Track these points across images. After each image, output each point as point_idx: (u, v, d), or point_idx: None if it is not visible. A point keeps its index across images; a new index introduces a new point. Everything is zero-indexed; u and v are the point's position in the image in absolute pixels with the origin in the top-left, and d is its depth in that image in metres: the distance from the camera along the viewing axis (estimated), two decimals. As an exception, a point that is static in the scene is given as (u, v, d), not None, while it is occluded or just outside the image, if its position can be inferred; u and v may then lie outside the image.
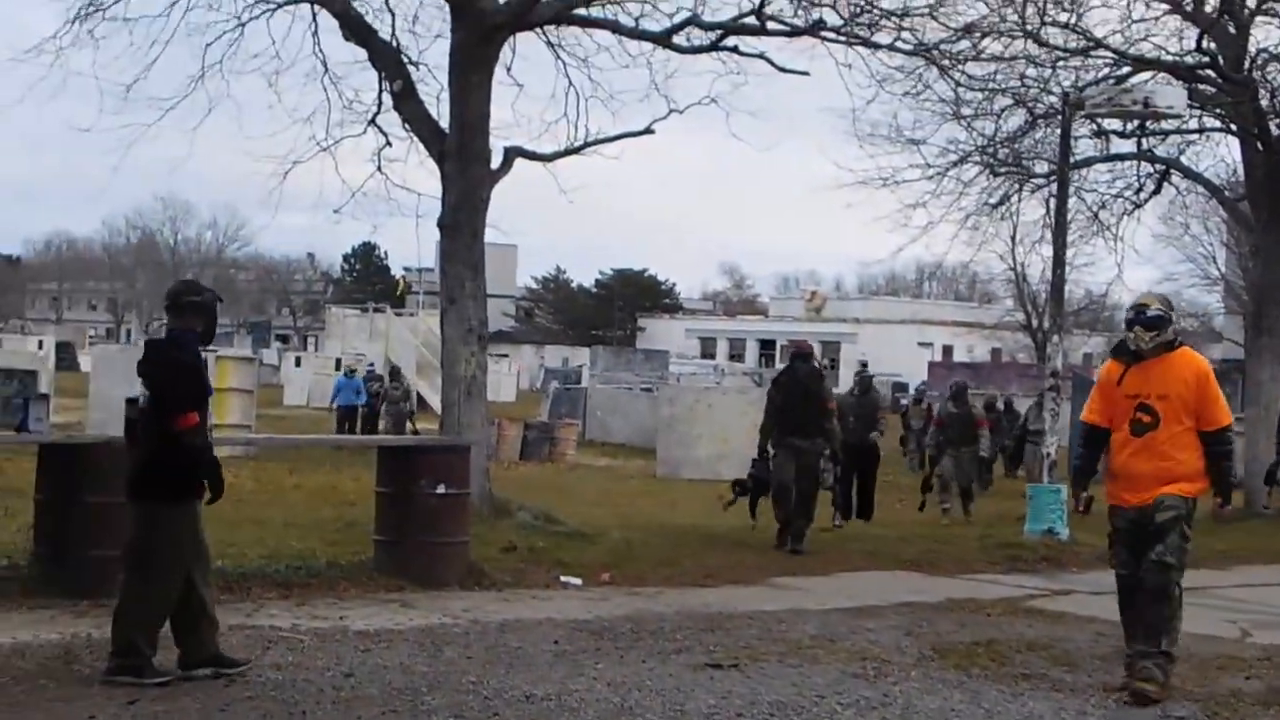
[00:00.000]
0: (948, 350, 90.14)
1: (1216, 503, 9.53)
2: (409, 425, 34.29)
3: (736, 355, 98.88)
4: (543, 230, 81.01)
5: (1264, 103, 23.12)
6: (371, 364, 41.99)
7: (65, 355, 67.15)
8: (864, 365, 24.73)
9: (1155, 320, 9.33)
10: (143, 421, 8.82)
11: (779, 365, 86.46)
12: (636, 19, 17.78)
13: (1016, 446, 31.57)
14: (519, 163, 17.53)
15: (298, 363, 63.79)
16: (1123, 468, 9.48)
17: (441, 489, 12.96)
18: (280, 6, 17.70)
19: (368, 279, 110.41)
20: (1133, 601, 9.42)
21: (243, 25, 17.62)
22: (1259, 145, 23.26)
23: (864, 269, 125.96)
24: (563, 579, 13.57)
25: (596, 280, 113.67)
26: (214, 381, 29.20)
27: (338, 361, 58.09)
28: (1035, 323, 56.13)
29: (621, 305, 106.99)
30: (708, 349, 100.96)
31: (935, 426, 23.30)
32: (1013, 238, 31.45)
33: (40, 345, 62.80)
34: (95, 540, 11.10)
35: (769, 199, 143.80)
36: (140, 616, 8.65)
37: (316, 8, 17.54)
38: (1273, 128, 23.29)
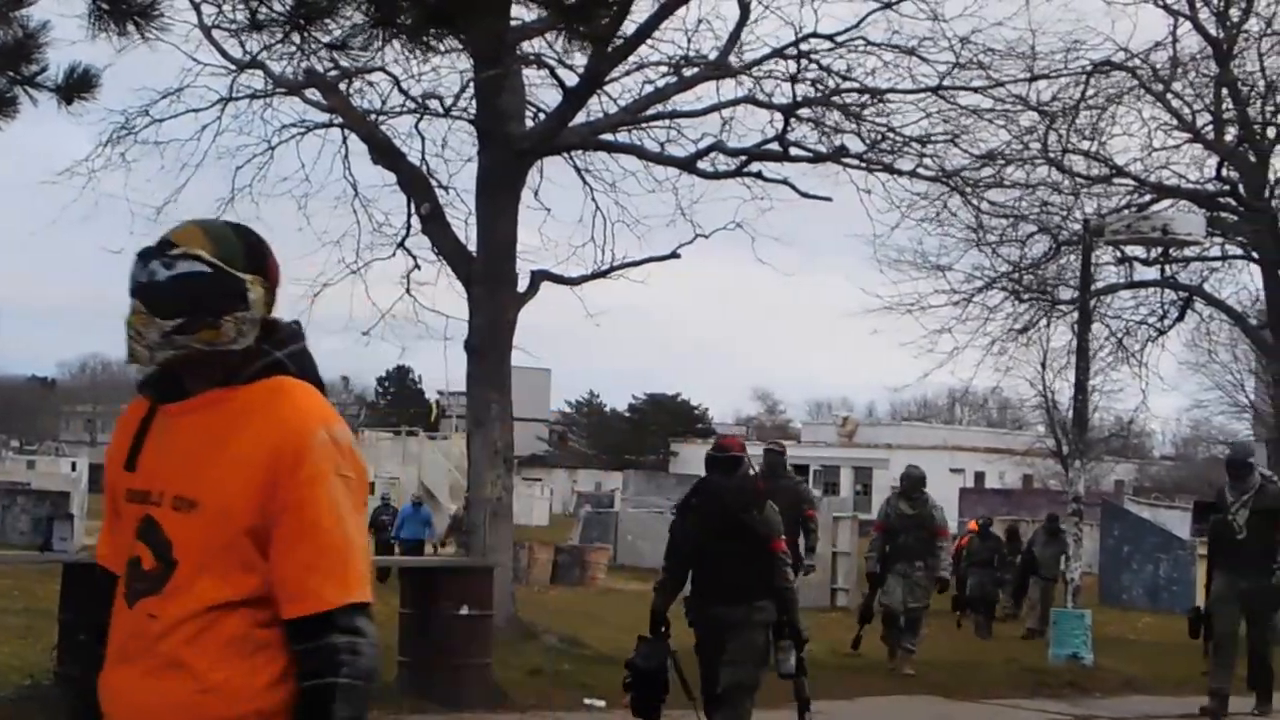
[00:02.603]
0: (979, 476, 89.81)
1: None
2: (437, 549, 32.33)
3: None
4: (578, 355, 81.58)
5: (1285, 230, 23.39)
6: (385, 493, 40.20)
7: (99, 477, 67.46)
8: (777, 447, 17.47)
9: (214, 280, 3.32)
10: None
11: (813, 490, 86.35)
12: (662, 145, 18.08)
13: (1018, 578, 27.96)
14: (552, 287, 17.76)
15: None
16: (120, 686, 3.38)
17: (465, 610, 13.01)
18: (310, 130, 18.09)
19: (402, 402, 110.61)
20: None
21: (272, 149, 18.03)
22: (1279, 272, 23.43)
23: (894, 394, 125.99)
24: (586, 702, 13.58)
25: (630, 404, 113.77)
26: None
27: (372, 485, 58.24)
28: (1066, 449, 55.93)
29: (654, 429, 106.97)
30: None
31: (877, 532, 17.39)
32: (1042, 363, 31.57)
33: (74, 467, 63.12)
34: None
35: (799, 323, 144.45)
36: None
37: (346, 132, 17.89)
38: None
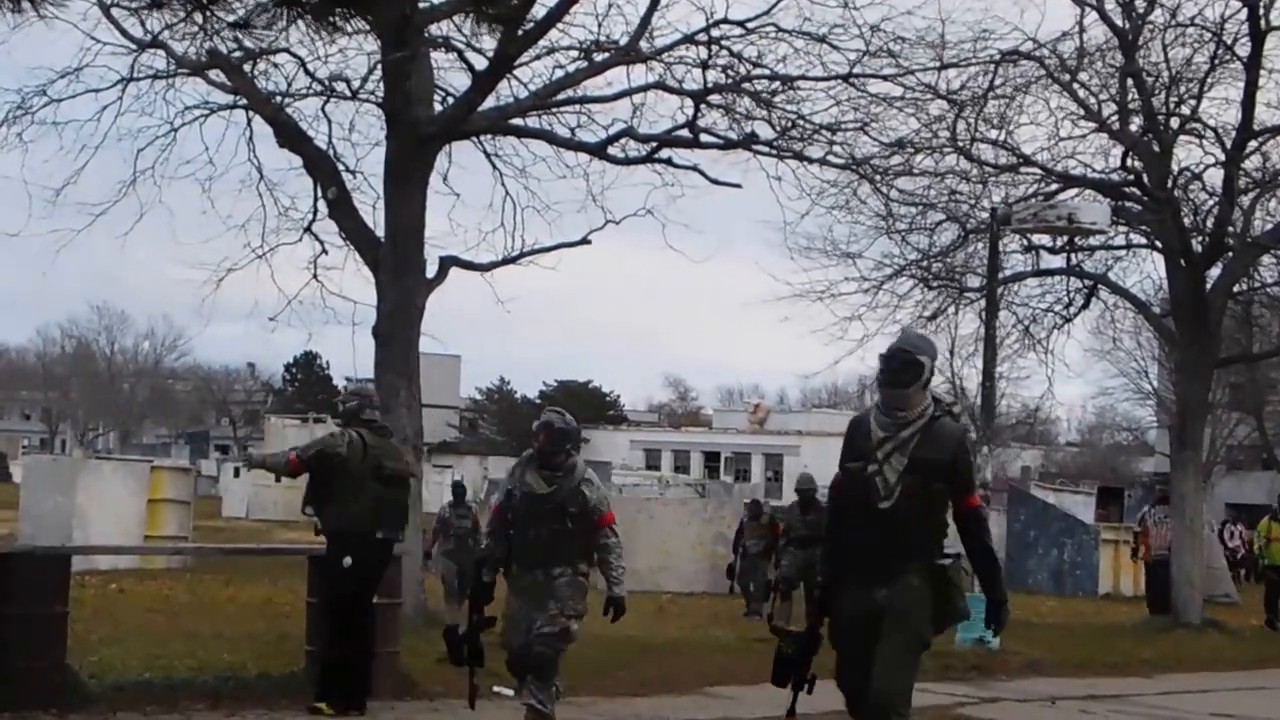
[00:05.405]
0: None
1: None
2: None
3: (681, 467, 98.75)
4: (488, 341, 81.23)
5: (1186, 220, 23.63)
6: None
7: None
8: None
9: None
10: None
11: (724, 477, 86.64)
12: (572, 130, 17.95)
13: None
14: (464, 275, 17.61)
15: (236, 473, 63.34)
16: None
17: (373, 598, 12.90)
18: (214, 112, 17.76)
19: (310, 389, 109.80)
20: None
21: (175, 131, 17.65)
22: (1181, 262, 23.69)
23: (804, 381, 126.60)
24: (495, 689, 13.49)
25: (541, 391, 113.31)
26: (149, 492, 29.29)
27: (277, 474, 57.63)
28: (973, 435, 56.47)
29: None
30: (652, 460, 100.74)
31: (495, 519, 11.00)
32: (950, 351, 31.73)
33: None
34: (23, 652, 10.99)
35: (711, 310, 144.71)
36: None
37: (251, 114, 17.62)
38: (1195, 245, 23.75)
